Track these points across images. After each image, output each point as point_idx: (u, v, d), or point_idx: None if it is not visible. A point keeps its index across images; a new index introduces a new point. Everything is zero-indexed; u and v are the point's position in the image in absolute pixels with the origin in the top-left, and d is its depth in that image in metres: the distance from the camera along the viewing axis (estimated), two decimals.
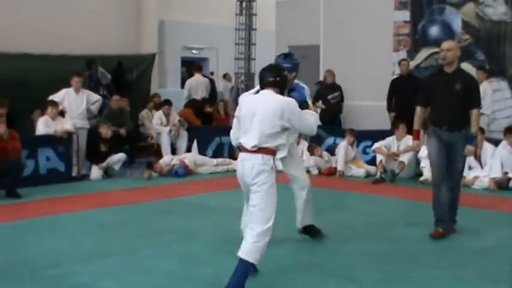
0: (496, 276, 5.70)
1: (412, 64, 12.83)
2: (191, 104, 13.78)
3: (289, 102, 5.17)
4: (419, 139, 7.28)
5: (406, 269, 5.89)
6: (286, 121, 5.09)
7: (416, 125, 7.25)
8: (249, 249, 4.95)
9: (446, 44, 7.05)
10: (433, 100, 7.08)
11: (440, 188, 7.07)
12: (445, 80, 7.00)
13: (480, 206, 8.75)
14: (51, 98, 11.01)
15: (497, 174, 10.02)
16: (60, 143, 10.60)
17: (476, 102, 6.96)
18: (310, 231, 6.76)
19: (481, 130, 9.77)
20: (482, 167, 10.37)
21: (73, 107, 11.18)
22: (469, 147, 6.94)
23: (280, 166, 5.45)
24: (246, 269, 4.97)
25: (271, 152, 5.11)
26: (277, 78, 5.25)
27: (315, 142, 12.22)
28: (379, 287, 5.41)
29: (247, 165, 5.07)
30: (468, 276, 5.69)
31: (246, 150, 5.11)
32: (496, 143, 10.46)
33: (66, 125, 10.72)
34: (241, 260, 4.95)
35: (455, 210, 7.16)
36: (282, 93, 5.33)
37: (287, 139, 5.33)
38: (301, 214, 6.66)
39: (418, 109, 7.22)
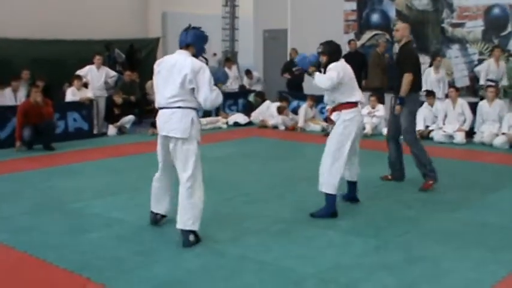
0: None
1: (358, 43, 12.83)
2: None
3: None
4: None
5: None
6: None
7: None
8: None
9: (397, 25, 6.86)
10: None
11: (388, 144, 6.81)
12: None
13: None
14: (77, 73, 11.02)
15: (420, 127, 10.18)
16: (84, 108, 10.65)
17: (406, 69, 6.40)
18: None
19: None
20: None
21: (94, 80, 11.19)
22: (397, 107, 6.49)
23: None
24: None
25: None
26: None
27: (283, 105, 12.30)
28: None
29: None
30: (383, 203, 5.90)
31: None
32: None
33: (88, 94, 10.76)
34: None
35: (423, 167, 6.49)
36: None
37: None
38: None
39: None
